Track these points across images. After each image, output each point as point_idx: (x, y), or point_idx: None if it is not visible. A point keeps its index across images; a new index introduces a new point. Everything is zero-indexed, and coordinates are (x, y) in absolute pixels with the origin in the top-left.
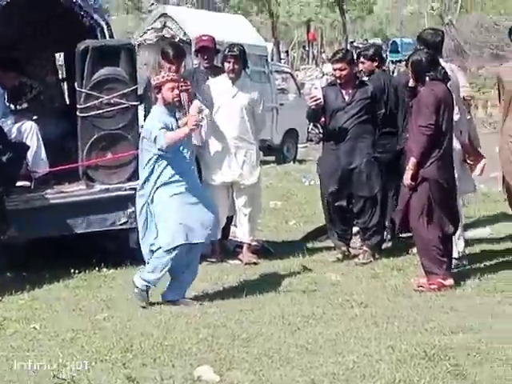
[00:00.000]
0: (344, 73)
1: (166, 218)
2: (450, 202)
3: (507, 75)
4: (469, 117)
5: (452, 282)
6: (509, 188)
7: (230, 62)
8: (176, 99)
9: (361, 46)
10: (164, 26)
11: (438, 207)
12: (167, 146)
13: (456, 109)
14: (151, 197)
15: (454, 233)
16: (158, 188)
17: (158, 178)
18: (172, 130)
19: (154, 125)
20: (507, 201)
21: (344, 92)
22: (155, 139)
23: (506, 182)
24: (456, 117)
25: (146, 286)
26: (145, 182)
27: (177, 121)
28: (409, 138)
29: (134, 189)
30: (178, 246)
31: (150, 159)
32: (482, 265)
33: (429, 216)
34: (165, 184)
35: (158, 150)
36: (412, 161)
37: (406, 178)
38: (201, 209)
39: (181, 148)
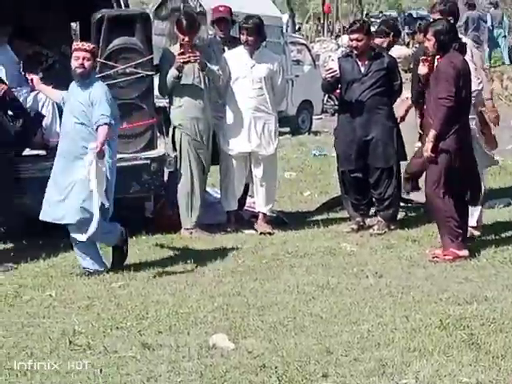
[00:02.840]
0: (361, 43)
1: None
2: (470, 173)
3: None
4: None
5: (467, 252)
6: None
7: (243, 34)
8: (78, 70)
9: (376, 19)
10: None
11: (458, 178)
12: None
13: (477, 79)
14: None
15: (475, 204)
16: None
17: None
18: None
19: None
20: None
21: (360, 63)
22: None
23: None
24: (480, 86)
25: None
26: None
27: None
28: (426, 110)
29: (150, 158)
30: None
31: None
32: (497, 235)
33: (445, 187)
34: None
35: None
36: (432, 133)
37: (426, 151)
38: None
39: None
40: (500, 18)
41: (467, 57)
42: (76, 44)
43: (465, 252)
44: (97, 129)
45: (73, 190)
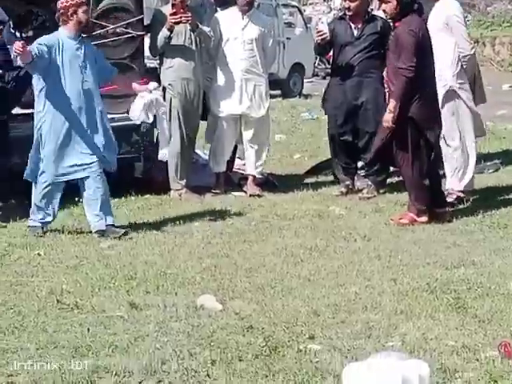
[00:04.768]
0: (353, 4)
1: None
2: (432, 141)
3: None
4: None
5: (425, 219)
6: None
7: None
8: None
9: None
10: None
11: (422, 146)
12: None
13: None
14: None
15: (438, 172)
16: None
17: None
18: (53, 53)
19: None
20: None
21: (353, 26)
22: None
23: None
24: (472, 50)
25: None
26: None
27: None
28: (387, 78)
29: None
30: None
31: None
32: (486, 200)
33: (413, 155)
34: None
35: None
36: (392, 103)
37: (387, 121)
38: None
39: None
40: None
41: (456, 18)
42: None
43: (423, 218)
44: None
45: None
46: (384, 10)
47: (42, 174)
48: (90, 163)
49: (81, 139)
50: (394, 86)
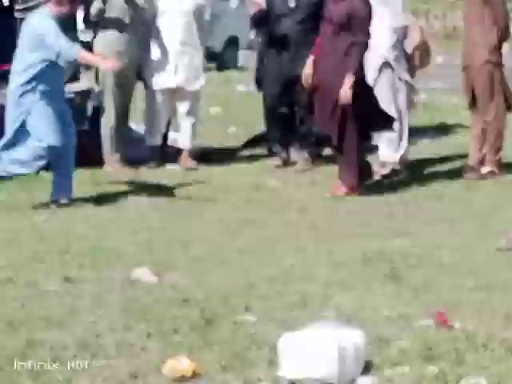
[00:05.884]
0: None
1: None
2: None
3: None
4: None
5: (361, 191)
6: None
7: None
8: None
9: None
10: None
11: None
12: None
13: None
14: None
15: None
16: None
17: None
18: None
19: (58, 33)
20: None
21: None
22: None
23: None
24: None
25: None
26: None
27: None
28: (329, 53)
29: (73, 92)
30: None
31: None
32: (420, 172)
33: (355, 128)
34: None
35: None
36: (350, 78)
37: (347, 98)
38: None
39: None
40: None
41: None
42: None
43: (358, 190)
44: None
45: None
46: None
47: None
48: None
49: None
50: (350, 60)
